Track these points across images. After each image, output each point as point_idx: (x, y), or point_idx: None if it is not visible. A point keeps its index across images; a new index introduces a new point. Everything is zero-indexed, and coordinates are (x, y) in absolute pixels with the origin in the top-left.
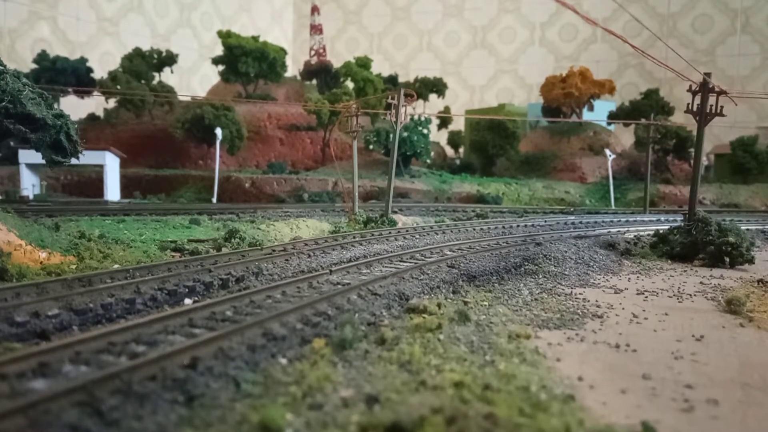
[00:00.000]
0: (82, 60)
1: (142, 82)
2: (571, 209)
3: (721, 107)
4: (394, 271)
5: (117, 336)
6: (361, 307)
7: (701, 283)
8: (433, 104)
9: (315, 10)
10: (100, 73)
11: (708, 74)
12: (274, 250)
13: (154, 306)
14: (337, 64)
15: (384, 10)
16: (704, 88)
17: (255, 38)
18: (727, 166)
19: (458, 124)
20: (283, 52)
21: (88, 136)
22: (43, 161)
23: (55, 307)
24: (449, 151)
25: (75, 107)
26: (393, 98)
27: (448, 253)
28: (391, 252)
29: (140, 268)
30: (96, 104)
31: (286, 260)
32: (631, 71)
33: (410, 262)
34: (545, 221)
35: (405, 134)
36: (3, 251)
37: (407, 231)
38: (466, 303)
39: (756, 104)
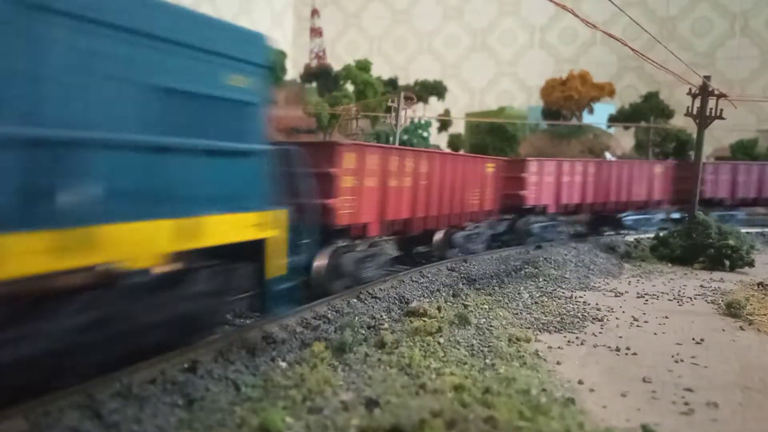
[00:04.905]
0: None
1: None
2: None
3: (721, 110)
4: (393, 274)
5: None
6: (360, 311)
7: (701, 286)
8: (433, 107)
9: (315, 13)
10: None
11: (707, 77)
12: None
13: None
14: (337, 66)
15: (384, 12)
16: (704, 91)
17: None
18: None
19: (458, 127)
20: (283, 55)
21: None
22: None
23: None
24: None
25: None
26: (393, 101)
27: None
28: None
29: None
30: None
31: None
32: (630, 74)
33: (409, 265)
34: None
35: (405, 137)
36: None
37: None
38: (466, 306)
39: (755, 107)
